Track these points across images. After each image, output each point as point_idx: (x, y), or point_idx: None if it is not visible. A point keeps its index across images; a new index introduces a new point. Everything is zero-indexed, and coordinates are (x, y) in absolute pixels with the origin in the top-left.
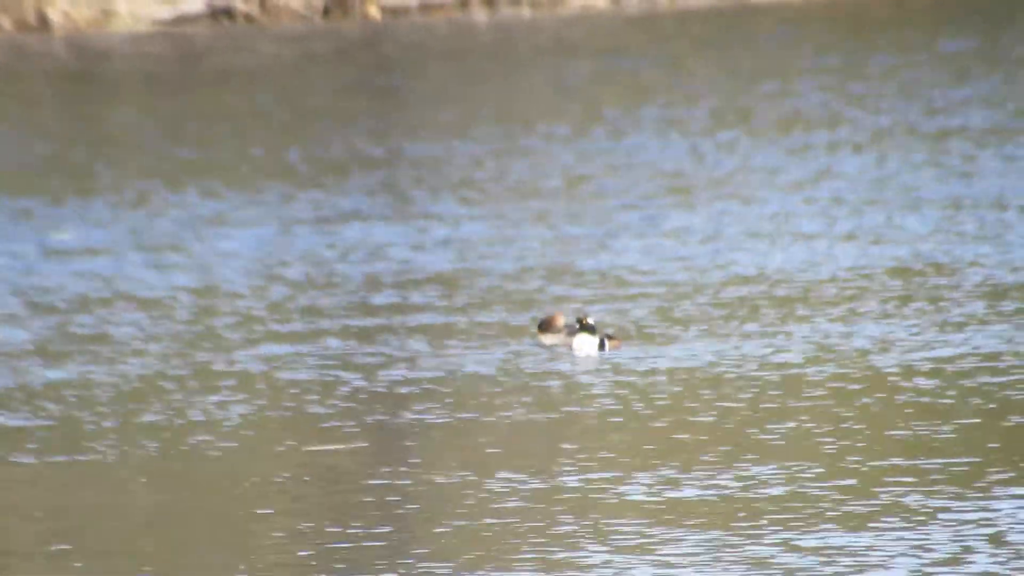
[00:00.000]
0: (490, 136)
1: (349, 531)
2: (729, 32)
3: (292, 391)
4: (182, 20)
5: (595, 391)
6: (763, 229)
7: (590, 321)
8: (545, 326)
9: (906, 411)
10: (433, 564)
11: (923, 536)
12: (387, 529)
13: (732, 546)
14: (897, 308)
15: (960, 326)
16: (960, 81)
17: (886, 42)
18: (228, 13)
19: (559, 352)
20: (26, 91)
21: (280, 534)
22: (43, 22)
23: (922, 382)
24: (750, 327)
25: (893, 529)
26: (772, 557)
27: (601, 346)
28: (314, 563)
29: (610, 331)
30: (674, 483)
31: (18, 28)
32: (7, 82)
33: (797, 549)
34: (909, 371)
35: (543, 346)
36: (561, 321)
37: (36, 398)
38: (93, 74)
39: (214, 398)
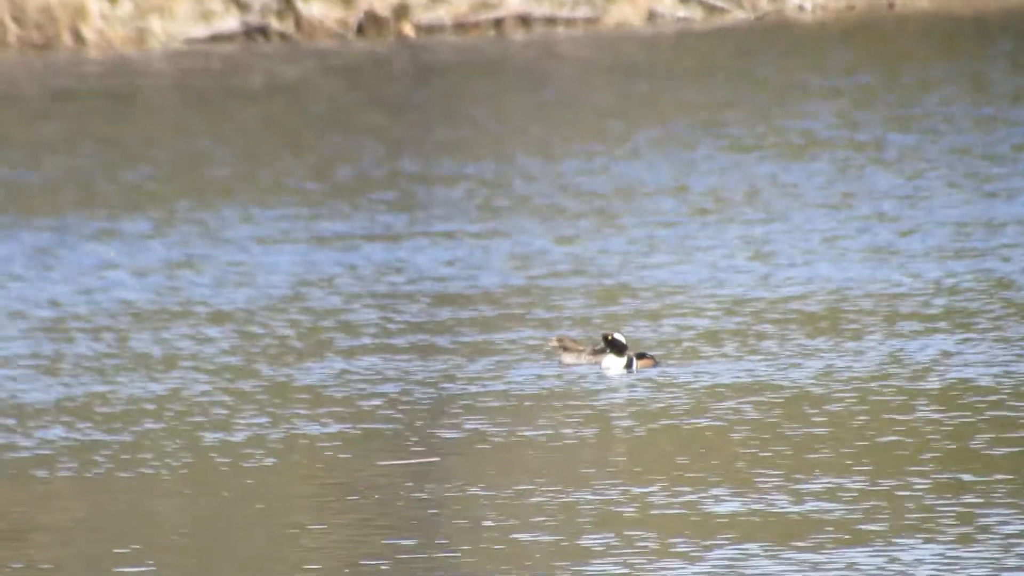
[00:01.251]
0: (523, 154)
1: (389, 543)
2: (763, 48)
3: (344, 407)
4: (217, 38)
5: (631, 408)
6: (802, 245)
7: (619, 338)
8: (565, 345)
9: (959, 426)
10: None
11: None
12: (430, 542)
13: (764, 558)
14: (950, 325)
15: (1012, 341)
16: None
17: (919, 58)
18: (263, 31)
19: (578, 372)
20: (65, 109)
21: (317, 545)
22: (78, 40)
23: (973, 398)
24: (788, 345)
25: (932, 544)
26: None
27: (629, 365)
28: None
29: (646, 352)
30: (716, 498)
31: (51, 47)
32: (52, 101)
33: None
34: (959, 387)
35: (563, 364)
36: (582, 340)
37: (94, 412)
38: (129, 92)
39: (251, 409)
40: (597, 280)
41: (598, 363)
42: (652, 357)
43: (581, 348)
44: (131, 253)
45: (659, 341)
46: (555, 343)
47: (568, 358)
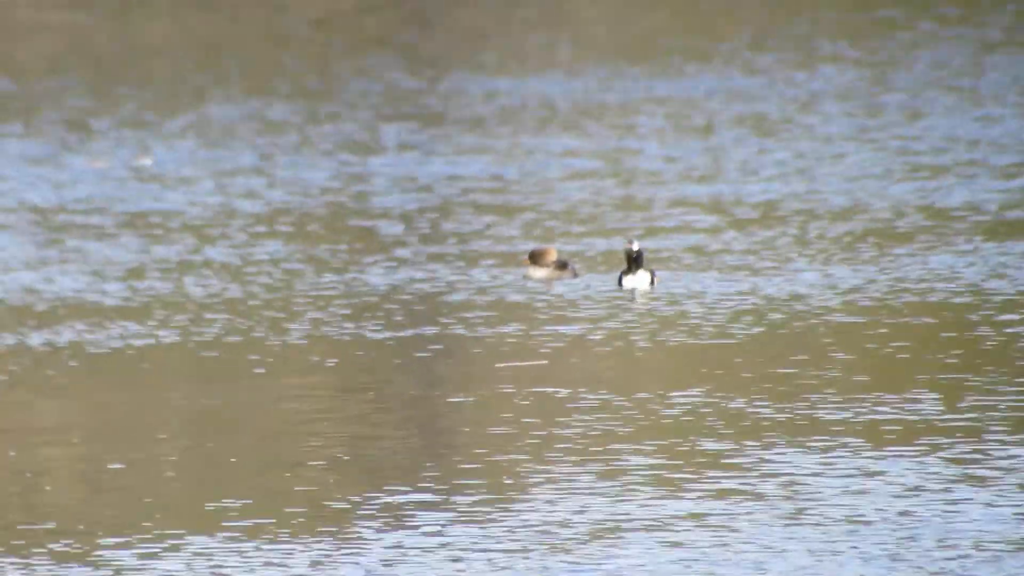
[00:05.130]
0: (529, 72)
1: (383, 444)
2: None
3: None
4: None
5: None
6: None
7: (636, 249)
8: (535, 259)
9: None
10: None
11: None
12: (420, 443)
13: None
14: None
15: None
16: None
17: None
18: None
19: (546, 286)
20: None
21: (310, 437)
22: None
23: (984, 310)
24: (805, 263)
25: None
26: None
27: (652, 281)
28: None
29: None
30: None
31: None
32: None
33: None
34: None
35: (531, 279)
36: (553, 256)
37: (138, 315)
38: None
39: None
40: (598, 193)
41: (562, 278)
42: (658, 275)
43: (550, 264)
44: (166, 161)
45: (671, 256)
46: (526, 260)
47: (537, 272)
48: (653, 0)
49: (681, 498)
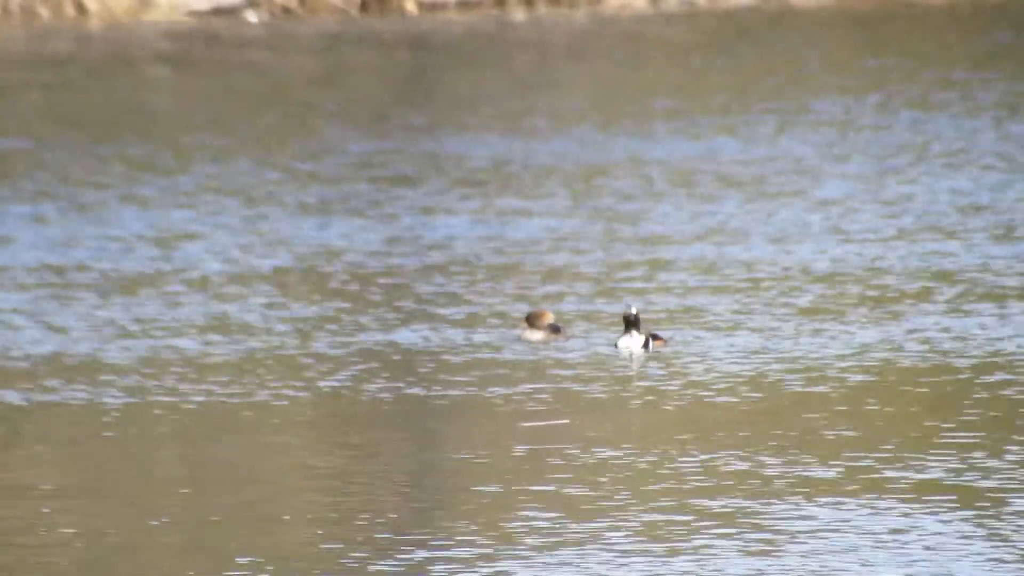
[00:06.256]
0: (533, 132)
1: (381, 503)
2: (767, 32)
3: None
4: (219, 11)
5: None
6: (817, 226)
7: (634, 313)
8: (532, 321)
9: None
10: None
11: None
12: (421, 504)
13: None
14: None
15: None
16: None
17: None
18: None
19: (541, 349)
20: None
21: (309, 500)
22: (80, 10)
23: (991, 378)
24: (806, 324)
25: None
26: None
27: (645, 344)
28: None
29: (658, 331)
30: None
31: (55, 16)
32: (117, 64)
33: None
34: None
35: (527, 341)
36: (548, 318)
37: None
38: (129, 59)
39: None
40: (606, 257)
41: (557, 340)
42: (663, 338)
43: (546, 327)
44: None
45: (672, 315)
46: (524, 323)
47: (533, 335)
48: (642, 60)
49: (675, 559)
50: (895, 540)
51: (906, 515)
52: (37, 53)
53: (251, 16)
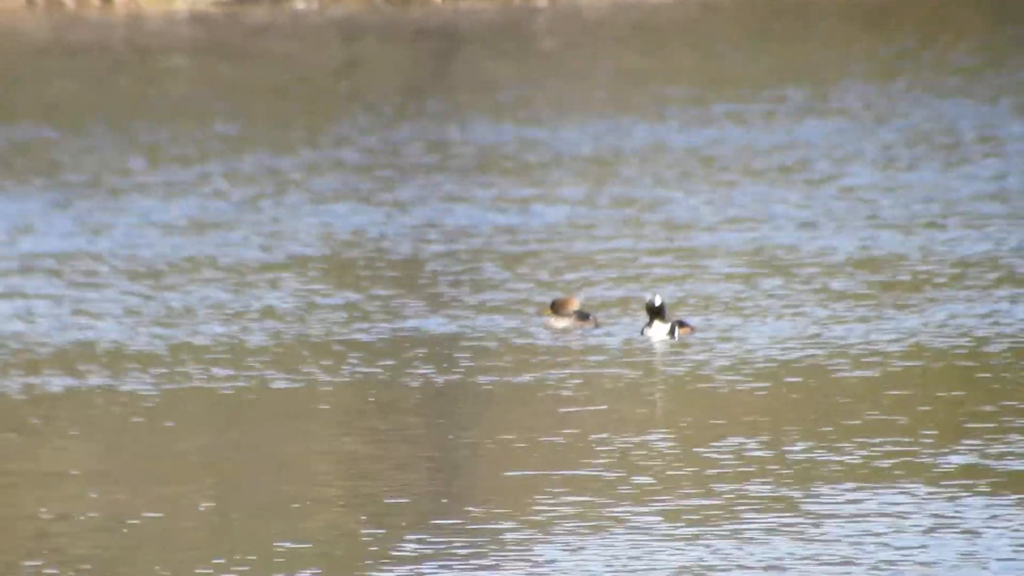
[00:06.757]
0: (554, 120)
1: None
2: (792, 19)
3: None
4: (244, 1)
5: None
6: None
7: (658, 303)
8: (557, 308)
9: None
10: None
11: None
12: (450, 485)
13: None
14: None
15: None
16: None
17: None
18: None
19: (567, 336)
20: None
21: (338, 486)
22: (106, 0)
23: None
24: (835, 310)
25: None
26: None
27: (672, 332)
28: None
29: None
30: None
31: (80, 6)
32: (140, 56)
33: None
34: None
35: (551, 328)
36: (574, 306)
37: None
38: (149, 49)
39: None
40: (633, 244)
41: (583, 328)
42: (689, 326)
43: (571, 314)
44: (191, 211)
45: (700, 304)
46: (549, 310)
47: (558, 322)
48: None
49: (709, 543)
50: (938, 524)
51: (950, 499)
52: (62, 42)
53: (299, 2)
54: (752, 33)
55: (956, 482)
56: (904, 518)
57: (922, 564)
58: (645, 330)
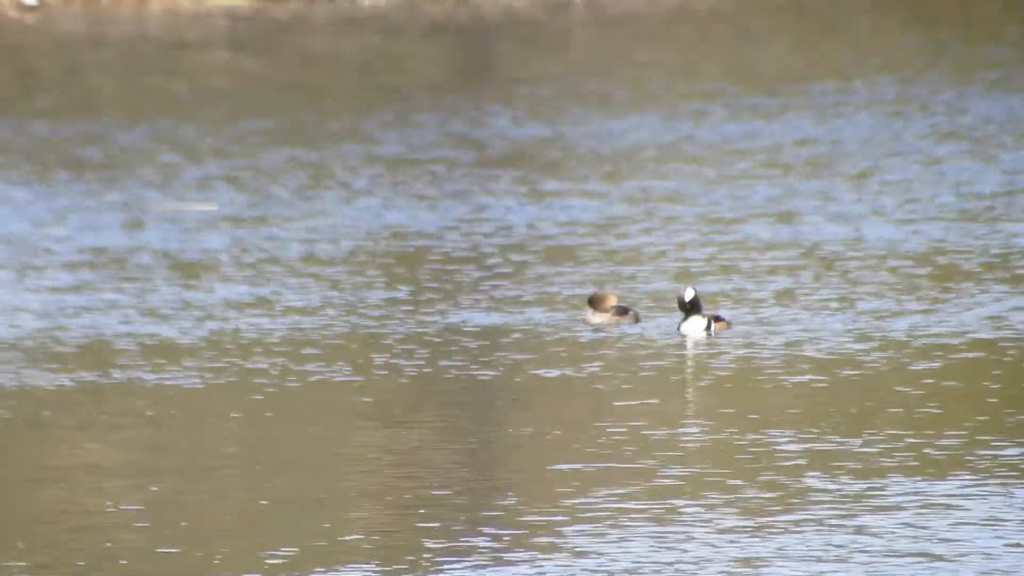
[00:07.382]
0: (586, 117)
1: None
2: (823, 11)
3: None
4: None
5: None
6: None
7: (689, 297)
8: (595, 304)
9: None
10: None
11: None
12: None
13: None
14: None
15: None
16: None
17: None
18: None
19: (604, 331)
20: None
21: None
22: None
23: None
24: (875, 304)
25: None
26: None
27: (708, 327)
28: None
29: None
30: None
31: (114, 3)
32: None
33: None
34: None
35: (589, 323)
36: (612, 301)
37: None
38: (185, 44)
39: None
40: (664, 240)
41: (621, 323)
42: (725, 320)
43: (609, 309)
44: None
45: (735, 301)
46: (587, 305)
47: (596, 318)
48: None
49: (764, 536)
50: (992, 517)
51: (1004, 493)
52: (98, 37)
53: None
54: (787, 24)
55: (1009, 475)
56: (957, 510)
57: (977, 555)
58: (681, 325)
